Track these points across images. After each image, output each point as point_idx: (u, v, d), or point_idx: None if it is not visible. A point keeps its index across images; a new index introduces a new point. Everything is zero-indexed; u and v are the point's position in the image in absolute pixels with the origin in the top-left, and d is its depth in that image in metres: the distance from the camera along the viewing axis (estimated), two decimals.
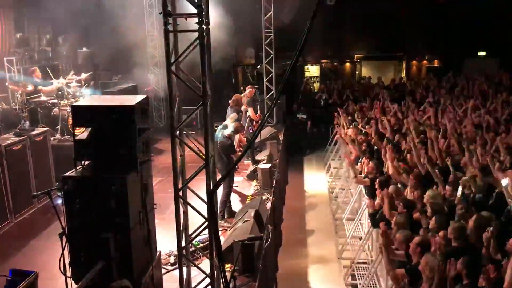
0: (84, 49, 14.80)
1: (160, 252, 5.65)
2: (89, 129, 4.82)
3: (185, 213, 5.03)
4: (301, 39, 3.45)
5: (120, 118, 4.70)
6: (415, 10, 19.53)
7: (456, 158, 7.77)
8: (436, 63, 21.34)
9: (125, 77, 14.53)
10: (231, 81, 17.74)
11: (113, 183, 4.53)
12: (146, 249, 5.02)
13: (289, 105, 16.17)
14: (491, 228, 4.89)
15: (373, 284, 7.26)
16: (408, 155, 8.20)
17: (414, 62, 21.58)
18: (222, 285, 4.71)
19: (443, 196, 6.46)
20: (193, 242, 5.35)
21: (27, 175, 8.21)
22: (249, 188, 9.48)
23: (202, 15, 4.39)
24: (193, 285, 5.17)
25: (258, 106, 12.40)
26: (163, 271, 5.95)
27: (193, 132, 8.03)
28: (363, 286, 7.25)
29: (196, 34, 4.44)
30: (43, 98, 10.77)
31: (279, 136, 12.38)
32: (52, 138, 9.71)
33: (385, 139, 9.41)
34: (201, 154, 4.76)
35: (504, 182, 6.21)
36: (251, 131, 10.23)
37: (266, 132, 11.66)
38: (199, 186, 4.93)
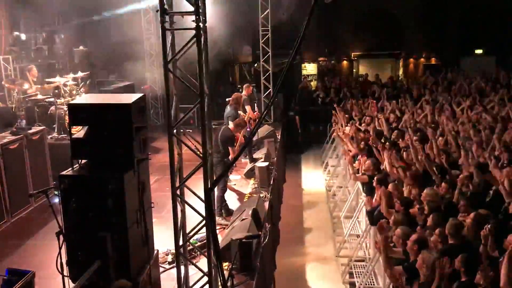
0: (81, 47, 14.76)
1: (158, 250, 5.64)
2: (86, 128, 4.80)
3: (183, 211, 5.02)
4: (298, 37, 3.44)
5: (117, 116, 4.69)
6: (412, 8, 19.57)
7: (453, 156, 7.79)
8: (433, 61, 21.38)
9: (122, 75, 14.50)
10: (228, 79, 17.71)
11: (110, 182, 4.52)
12: (143, 248, 5.01)
13: (286, 103, 16.17)
14: (489, 226, 4.90)
15: (371, 282, 7.28)
16: (405, 153, 8.21)
17: (411, 60, 21.63)
18: (220, 283, 4.70)
19: (440, 194, 6.46)
20: (191, 240, 5.33)
21: (24, 174, 8.18)
22: (247, 186, 9.47)
23: (199, 13, 4.37)
24: (191, 283, 5.16)
25: (255, 104, 12.38)
26: (161, 269, 5.95)
27: (191, 131, 7.99)
28: (361, 284, 7.26)
29: (193, 32, 4.42)
30: (39, 96, 10.74)
31: (277, 134, 12.38)
32: (49, 136, 9.68)
33: (383, 137, 9.42)
34: (198, 152, 4.75)
35: None
36: (248, 129, 10.21)
37: (263, 130, 11.64)
38: (197, 184, 4.91)
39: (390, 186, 6.93)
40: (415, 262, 4.89)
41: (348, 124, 11.55)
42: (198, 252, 6.15)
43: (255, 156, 10.37)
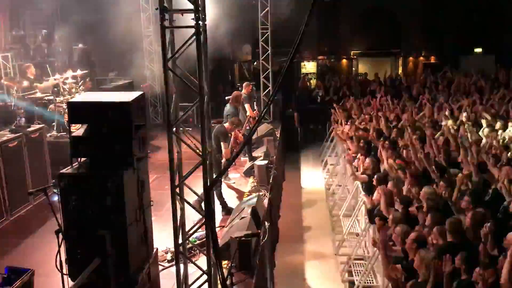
0: (80, 45, 14.72)
1: (157, 249, 5.64)
2: (85, 126, 4.80)
3: (182, 210, 5.02)
4: (298, 36, 3.44)
5: (117, 114, 4.68)
6: (411, 7, 19.55)
7: (453, 155, 7.80)
8: (432, 59, 21.36)
9: (121, 73, 14.48)
10: (228, 77, 17.70)
11: (109, 180, 4.51)
12: (142, 246, 5.00)
13: (285, 102, 16.17)
14: (488, 224, 4.91)
15: (370, 280, 7.28)
16: (405, 151, 8.21)
17: (411, 58, 21.60)
18: (219, 281, 4.71)
19: (439, 193, 6.47)
20: (190, 239, 5.33)
21: (23, 172, 8.18)
22: (246, 184, 9.47)
23: (199, 11, 4.37)
24: (190, 281, 5.16)
25: (255, 102, 12.37)
26: (160, 268, 5.95)
27: (190, 129, 8.00)
28: (360, 282, 7.26)
29: (192, 30, 4.41)
30: (38, 94, 10.72)
31: (276, 132, 12.37)
32: (48, 134, 9.66)
33: (382, 136, 9.42)
34: (198, 150, 4.74)
35: None
36: (248, 127, 10.21)
37: (262, 128, 11.65)
38: (196, 183, 4.91)
39: (389, 185, 6.93)
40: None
41: (348, 123, 11.54)
42: (198, 251, 6.15)
43: (254, 154, 10.37)
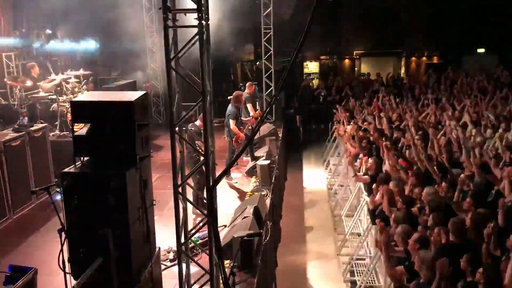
0: (83, 44, 14.76)
1: (159, 248, 5.64)
2: (88, 125, 4.81)
3: (184, 209, 5.03)
4: (301, 36, 3.43)
5: (120, 114, 4.69)
6: (414, 7, 19.53)
7: (455, 155, 7.78)
8: (435, 59, 21.34)
9: (124, 73, 14.50)
10: (230, 77, 17.71)
11: (112, 179, 4.51)
12: (145, 245, 5.01)
13: (287, 102, 16.18)
14: (491, 224, 4.90)
15: (372, 280, 7.28)
16: (407, 151, 8.20)
17: (413, 58, 21.59)
18: (221, 281, 4.71)
19: (441, 193, 6.46)
20: (193, 238, 5.34)
21: (26, 171, 8.20)
22: (248, 184, 9.48)
23: (202, 11, 4.37)
24: (192, 281, 5.16)
25: (257, 102, 12.38)
26: (162, 267, 5.95)
27: (192, 129, 8.03)
28: (362, 282, 7.26)
29: (195, 30, 4.42)
30: (41, 94, 10.75)
31: (278, 132, 12.38)
32: (51, 134, 9.69)
33: (384, 136, 9.42)
34: (200, 150, 4.75)
35: None
36: (250, 127, 10.22)
37: (265, 128, 11.64)
38: None
39: (391, 185, 6.92)
40: None
41: (350, 123, 11.54)
42: (200, 250, 6.16)
43: (256, 154, 10.37)
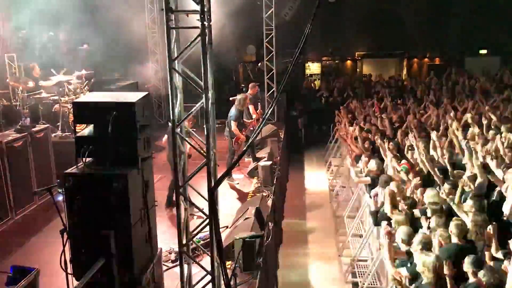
0: (85, 46, 14.78)
1: (161, 249, 5.65)
2: (91, 126, 4.81)
3: (186, 210, 5.03)
4: (303, 37, 3.44)
5: (122, 115, 4.69)
6: (416, 8, 19.53)
7: (457, 157, 7.77)
8: (437, 61, 21.33)
9: (126, 74, 14.52)
10: (232, 78, 17.72)
11: (114, 180, 4.51)
12: (147, 246, 5.01)
13: (289, 103, 16.18)
14: (492, 226, 4.89)
15: (373, 281, 7.27)
16: (410, 152, 8.19)
17: (415, 60, 21.58)
18: (223, 282, 4.71)
19: (442, 195, 6.45)
20: (194, 239, 5.34)
21: (28, 172, 8.21)
22: (250, 185, 9.48)
23: (204, 12, 4.38)
24: (194, 282, 5.16)
25: (259, 103, 12.38)
26: (164, 268, 5.95)
27: (194, 129, 8.03)
28: (364, 284, 7.25)
29: (197, 31, 4.42)
30: (44, 94, 10.77)
31: (280, 133, 12.37)
32: (53, 134, 9.70)
33: (386, 137, 9.41)
34: (202, 151, 4.75)
35: None
36: (251, 129, 10.22)
37: (267, 129, 11.64)
38: (200, 183, 4.92)
39: (393, 186, 6.92)
40: None
41: (352, 124, 11.53)
42: (202, 251, 6.16)
43: (258, 155, 10.37)
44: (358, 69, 21.83)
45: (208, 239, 5.45)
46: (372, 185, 8.09)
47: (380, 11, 19.56)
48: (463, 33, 19.20)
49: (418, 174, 7.04)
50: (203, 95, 4.59)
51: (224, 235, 6.65)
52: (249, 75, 18.09)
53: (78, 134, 4.84)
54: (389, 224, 6.19)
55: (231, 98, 13.13)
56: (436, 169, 7.03)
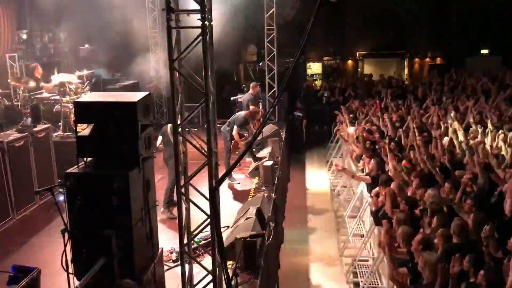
0: (86, 45, 14.79)
1: (162, 249, 5.65)
2: (92, 126, 4.82)
3: (187, 210, 5.03)
4: (304, 37, 3.43)
5: (123, 114, 4.70)
6: (417, 8, 19.52)
7: (458, 156, 7.76)
8: (438, 60, 21.31)
9: (127, 74, 14.52)
10: (233, 78, 17.71)
11: (115, 180, 4.53)
12: (148, 246, 5.02)
13: (291, 103, 16.17)
14: (487, 227, 4.89)
15: (374, 281, 7.27)
16: (411, 152, 8.18)
17: (417, 59, 21.56)
18: (224, 282, 4.71)
19: (443, 195, 6.44)
20: (195, 239, 5.34)
21: (29, 171, 8.22)
22: (251, 185, 9.47)
23: (205, 12, 4.38)
24: (195, 282, 5.17)
25: (260, 103, 12.38)
26: (165, 268, 5.96)
27: (195, 129, 8.03)
28: (365, 284, 7.25)
29: (198, 31, 4.42)
30: (45, 94, 10.77)
31: (281, 133, 12.36)
32: (54, 134, 9.71)
33: (387, 137, 9.40)
34: (203, 151, 4.75)
35: None
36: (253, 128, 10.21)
37: (268, 129, 11.63)
38: (201, 183, 4.93)
39: (394, 186, 6.91)
40: None
41: (353, 124, 11.52)
42: (203, 251, 6.16)
43: (259, 155, 10.37)
44: (359, 69, 21.82)
45: (209, 239, 5.46)
46: (372, 185, 8.09)
47: (381, 11, 19.54)
48: (465, 32, 19.17)
49: (419, 174, 7.03)
50: (204, 95, 4.59)
51: (225, 235, 6.65)
52: (250, 75, 18.07)
53: (79, 134, 4.85)
54: (390, 224, 6.18)
55: (232, 98, 13.14)
56: (437, 169, 7.03)
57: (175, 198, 7.83)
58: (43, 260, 5.94)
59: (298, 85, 18.07)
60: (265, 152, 10.41)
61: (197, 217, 5.05)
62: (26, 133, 8.26)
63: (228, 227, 7.16)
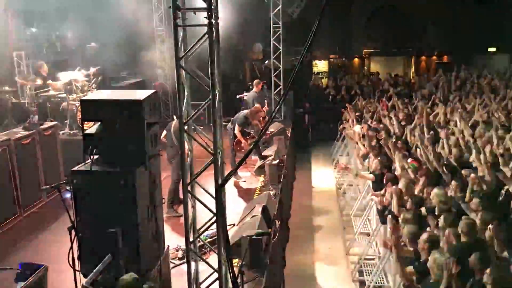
0: (93, 44, 14.83)
1: (168, 246, 5.67)
2: (98, 123, 4.83)
3: (193, 207, 5.04)
4: (310, 35, 3.42)
5: (129, 112, 4.71)
6: (424, 6, 19.42)
7: (465, 155, 7.73)
8: (445, 58, 21.20)
9: (133, 72, 14.55)
10: (239, 76, 17.71)
11: (121, 177, 4.54)
12: (154, 244, 5.03)
13: (296, 101, 16.15)
14: (492, 226, 4.86)
15: (380, 280, 7.25)
16: (418, 150, 8.16)
17: (423, 57, 21.45)
18: (230, 280, 4.71)
19: (450, 193, 6.42)
20: (201, 236, 5.35)
21: (36, 169, 8.26)
22: (257, 183, 9.47)
23: (211, 10, 4.38)
24: (201, 279, 5.17)
25: (266, 101, 12.36)
26: (171, 265, 5.98)
27: (201, 127, 8.04)
28: (371, 282, 7.23)
29: (205, 29, 4.42)
30: (51, 92, 10.82)
31: (287, 131, 12.35)
32: (61, 132, 9.75)
33: (394, 135, 9.37)
34: (209, 149, 4.75)
35: None
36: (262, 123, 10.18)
37: (273, 127, 11.62)
38: (207, 181, 4.93)
39: (400, 185, 6.89)
40: (426, 261, 4.86)
41: (359, 123, 11.49)
42: (209, 248, 6.17)
43: (265, 153, 10.36)
44: (365, 67, 21.74)
45: (215, 237, 5.47)
46: (376, 183, 8.07)
47: (387, 8, 19.47)
48: (472, 30, 19.05)
49: (426, 172, 7.00)
50: (210, 93, 4.59)
51: (231, 232, 6.66)
52: (256, 73, 18.05)
53: (85, 132, 4.87)
54: (396, 222, 6.17)
55: (238, 96, 13.13)
56: (444, 168, 7.00)
57: (179, 197, 7.92)
58: (50, 257, 5.97)
59: (303, 83, 18.03)
60: (271, 150, 10.40)
61: (203, 215, 5.06)
62: (33, 131, 8.30)
63: (234, 225, 7.17)
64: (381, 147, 9.18)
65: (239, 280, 4.80)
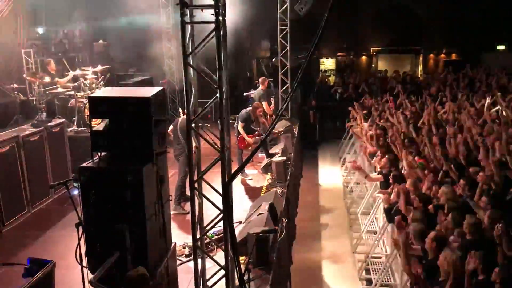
0: (100, 41, 14.88)
1: (175, 243, 5.68)
2: (106, 121, 4.85)
3: (200, 205, 5.04)
4: (317, 32, 3.41)
5: (137, 109, 4.72)
6: (432, 3, 19.29)
7: (473, 153, 7.68)
8: (453, 56, 21.05)
9: (141, 69, 14.57)
10: (246, 73, 17.70)
11: (129, 174, 4.55)
12: (161, 240, 5.04)
13: (304, 98, 16.12)
14: (500, 225, 4.83)
15: (387, 278, 7.23)
16: (426, 148, 8.12)
17: (432, 55, 21.31)
18: (236, 277, 4.72)
19: (458, 192, 6.38)
20: (208, 234, 5.36)
21: (44, 166, 8.31)
22: (263, 181, 9.47)
23: (219, 7, 4.37)
24: (207, 276, 5.18)
25: (272, 99, 12.35)
26: (178, 262, 5.99)
27: (208, 125, 8.05)
28: (378, 281, 7.21)
29: (212, 26, 4.42)
30: (60, 89, 10.87)
31: (294, 129, 12.33)
32: (69, 129, 9.80)
33: (401, 134, 9.33)
34: (216, 146, 4.76)
35: None
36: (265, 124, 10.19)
37: (280, 125, 11.60)
38: (214, 178, 4.93)
39: (408, 183, 6.86)
40: (434, 260, 4.85)
41: (367, 122, 11.44)
42: (215, 246, 6.19)
43: (272, 151, 10.35)
44: (373, 65, 21.65)
45: (222, 234, 5.47)
46: (384, 182, 8.04)
47: (395, 6, 19.36)
48: (481, 28, 18.88)
49: (434, 170, 6.97)
50: (218, 90, 4.59)
51: (237, 230, 6.66)
52: (263, 71, 18.03)
53: (93, 129, 4.88)
54: (404, 220, 6.14)
55: (245, 94, 13.12)
56: (451, 166, 6.96)
57: (186, 194, 7.93)
58: (58, 253, 6.01)
59: (311, 81, 17.99)
60: (277, 148, 10.40)
61: (210, 212, 5.06)
62: (41, 128, 8.35)
63: (240, 222, 7.17)
64: (388, 145, 9.14)
65: (245, 278, 4.81)
